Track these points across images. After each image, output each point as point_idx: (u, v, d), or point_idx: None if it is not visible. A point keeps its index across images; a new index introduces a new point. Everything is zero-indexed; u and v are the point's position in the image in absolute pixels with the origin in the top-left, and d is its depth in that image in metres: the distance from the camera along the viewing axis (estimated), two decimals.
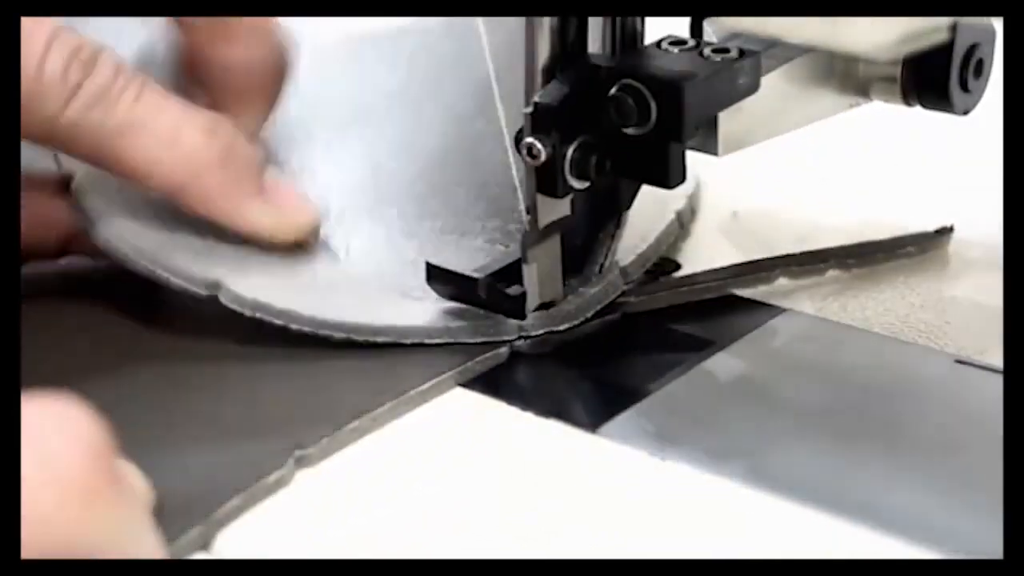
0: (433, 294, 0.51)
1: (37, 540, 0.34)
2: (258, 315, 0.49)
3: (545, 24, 0.49)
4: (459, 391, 0.49)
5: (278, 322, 0.49)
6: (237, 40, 0.53)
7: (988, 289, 0.52)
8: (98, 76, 0.48)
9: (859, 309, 0.53)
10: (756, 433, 0.47)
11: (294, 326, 0.49)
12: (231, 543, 0.42)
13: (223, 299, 0.49)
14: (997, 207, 0.52)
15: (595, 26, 0.50)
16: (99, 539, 0.35)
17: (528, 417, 0.47)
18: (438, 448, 0.46)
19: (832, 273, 0.55)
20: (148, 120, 0.49)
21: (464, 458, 0.46)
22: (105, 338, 0.51)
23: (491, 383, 0.49)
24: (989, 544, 0.40)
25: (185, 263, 0.50)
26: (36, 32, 0.47)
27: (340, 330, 0.49)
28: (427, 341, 0.50)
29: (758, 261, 0.54)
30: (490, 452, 0.46)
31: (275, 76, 0.54)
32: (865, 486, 0.44)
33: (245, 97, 0.53)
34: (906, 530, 0.41)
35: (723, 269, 0.54)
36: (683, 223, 0.57)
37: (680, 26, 0.51)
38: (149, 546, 0.37)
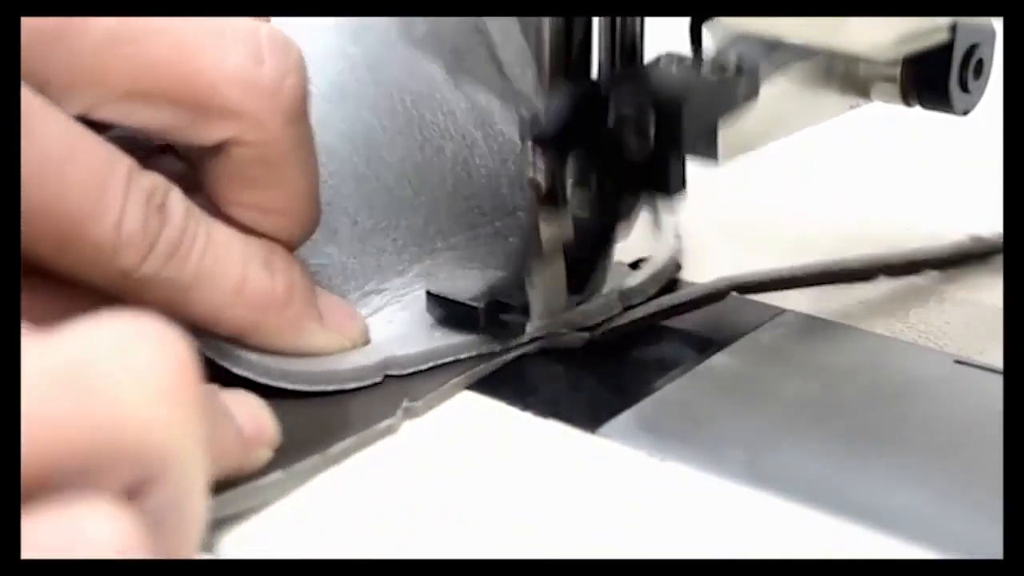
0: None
1: (112, 436, 0.33)
2: (431, 364, 0.50)
3: (549, 27, 0.49)
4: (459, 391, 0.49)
5: (433, 363, 0.50)
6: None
7: (988, 289, 0.52)
8: (172, 225, 0.46)
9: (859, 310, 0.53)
10: (755, 433, 0.47)
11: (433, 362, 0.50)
12: (233, 543, 0.42)
13: (397, 372, 0.50)
14: (997, 207, 0.52)
15: (595, 38, 0.50)
16: (172, 445, 0.34)
17: (528, 417, 0.47)
18: (438, 448, 0.46)
19: None
20: (217, 268, 0.47)
21: (464, 458, 0.46)
22: None
23: (491, 383, 0.49)
24: (989, 544, 0.40)
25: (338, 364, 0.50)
26: (114, 177, 0.45)
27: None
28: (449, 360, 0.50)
29: (852, 268, 0.53)
30: (490, 452, 0.46)
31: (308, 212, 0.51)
32: (865, 486, 0.44)
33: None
34: (906, 530, 0.42)
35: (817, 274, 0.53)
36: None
37: (680, 29, 0.51)
38: (198, 481, 0.35)
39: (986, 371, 0.49)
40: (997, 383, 0.48)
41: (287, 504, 0.44)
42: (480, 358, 0.50)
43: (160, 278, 0.46)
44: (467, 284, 0.52)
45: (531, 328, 0.51)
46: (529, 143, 0.48)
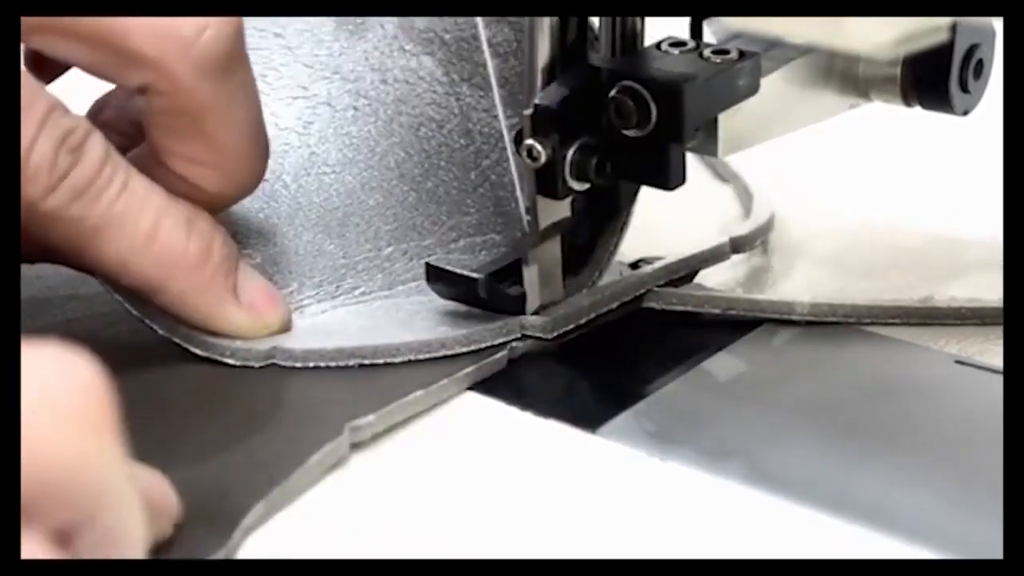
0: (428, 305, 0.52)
1: (28, 465, 0.32)
2: (311, 364, 0.49)
3: (545, 24, 0.49)
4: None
5: (333, 364, 0.49)
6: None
7: (988, 289, 0.52)
8: (85, 166, 0.46)
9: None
10: (755, 433, 0.47)
11: (352, 362, 0.49)
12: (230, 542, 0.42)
13: (281, 362, 0.49)
14: (997, 207, 0.52)
15: (595, 27, 0.50)
16: (89, 471, 0.33)
17: (528, 417, 0.47)
18: (437, 448, 0.46)
19: (828, 275, 0.55)
20: (128, 216, 0.47)
21: (463, 458, 0.46)
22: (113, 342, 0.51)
23: (491, 384, 0.49)
24: (989, 544, 0.40)
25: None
26: (30, 112, 0.45)
27: (402, 352, 0.49)
28: (459, 351, 0.50)
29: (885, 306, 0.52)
30: (489, 452, 0.46)
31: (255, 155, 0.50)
32: (865, 486, 0.44)
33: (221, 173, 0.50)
34: (906, 530, 0.41)
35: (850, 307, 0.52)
36: (737, 249, 0.56)
37: (680, 27, 0.51)
38: (132, 509, 0.35)
39: (986, 371, 0.49)
40: (997, 383, 0.48)
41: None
42: (469, 356, 0.50)
43: (66, 215, 0.46)
44: (467, 260, 0.52)
45: (528, 307, 0.51)
46: (528, 117, 0.48)
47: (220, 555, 0.41)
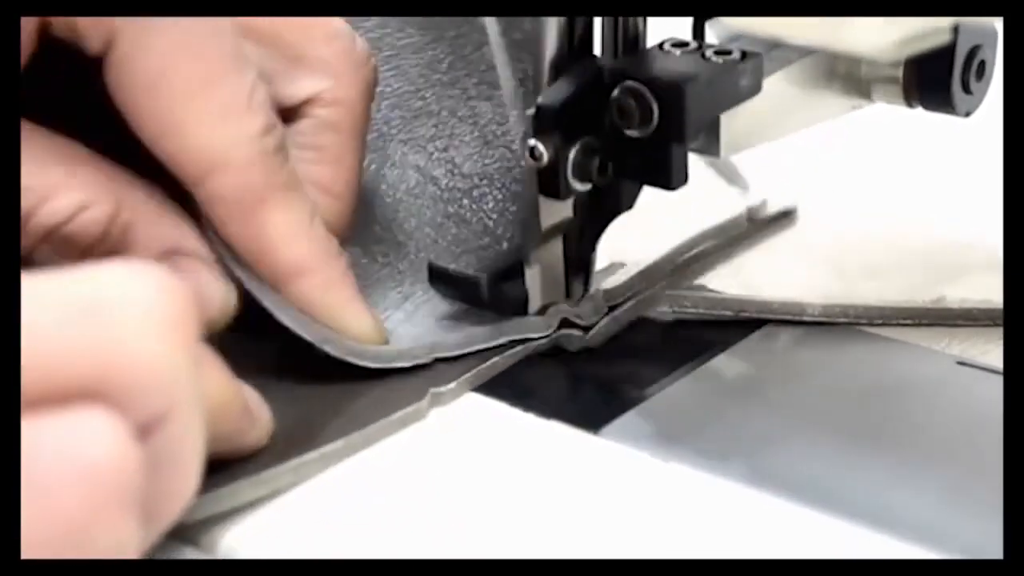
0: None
1: (115, 365, 0.35)
2: (468, 350, 0.50)
3: (552, 25, 0.49)
4: None
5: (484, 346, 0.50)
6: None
7: (991, 290, 0.52)
8: (279, 128, 0.48)
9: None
10: (758, 434, 0.47)
11: (503, 339, 0.50)
12: (232, 543, 0.42)
13: (442, 353, 0.50)
14: (997, 208, 0.52)
15: (598, 27, 0.50)
16: (171, 379, 0.36)
17: (530, 418, 0.47)
18: (439, 449, 0.46)
19: (830, 278, 0.55)
20: (299, 189, 0.48)
21: (465, 459, 0.46)
22: None
23: (493, 385, 0.49)
24: (989, 544, 0.40)
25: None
26: (254, 97, 0.46)
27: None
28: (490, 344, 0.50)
29: (893, 307, 0.53)
30: (491, 453, 0.46)
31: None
32: (866, 487, 0.44)
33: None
34: (906, 530, 0.42)
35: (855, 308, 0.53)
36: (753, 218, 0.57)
37: (683, 28, 0.51)
38: (198, 423, 0.37)
39: (987, 372, 0.49)
40: (998, 384, 0.48)
41: (286, 504, 0.44)
42: (490, 352, 0.50)
43: (270, 164, 0.47)
44: (469, 260, 0.53)
45: (531, 308, 0.51)
46: (531, 116, 0.48)
47: (294, 463, 0.44)
